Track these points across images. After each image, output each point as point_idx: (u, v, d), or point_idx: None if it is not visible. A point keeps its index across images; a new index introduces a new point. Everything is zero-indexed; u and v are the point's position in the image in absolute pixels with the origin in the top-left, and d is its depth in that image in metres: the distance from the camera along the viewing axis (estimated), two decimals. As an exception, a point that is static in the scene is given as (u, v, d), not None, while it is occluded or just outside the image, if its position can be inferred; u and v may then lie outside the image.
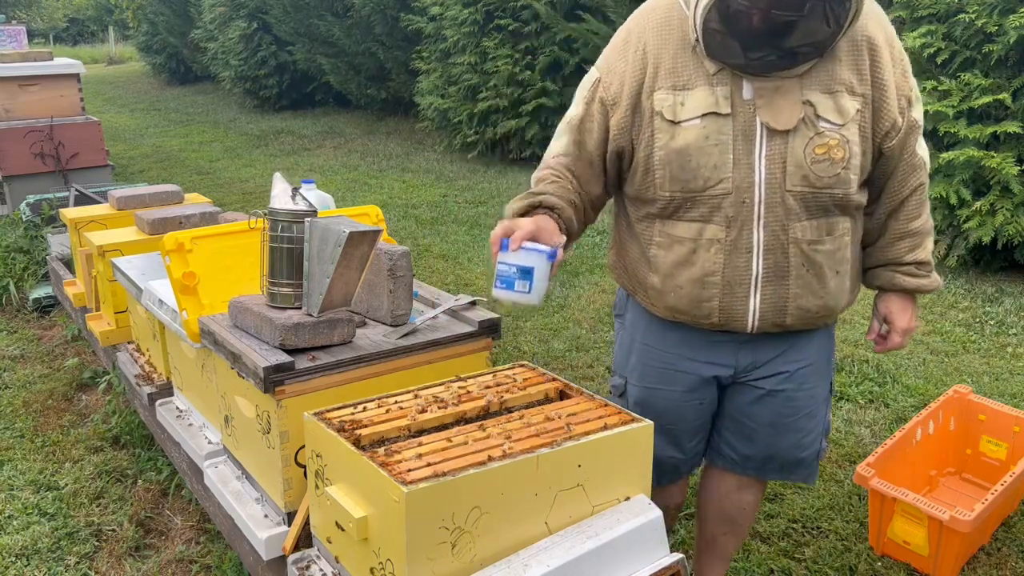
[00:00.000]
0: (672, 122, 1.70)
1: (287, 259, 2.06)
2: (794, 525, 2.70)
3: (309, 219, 2.01)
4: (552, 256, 1.64)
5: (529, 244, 1.63)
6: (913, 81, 1.77)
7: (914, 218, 1.83)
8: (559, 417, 1.71)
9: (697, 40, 1.65)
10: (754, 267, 1.73)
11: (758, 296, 1.75)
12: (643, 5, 1.83)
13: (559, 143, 1.85)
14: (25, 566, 2.60)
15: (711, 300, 1.77)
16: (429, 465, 1.52)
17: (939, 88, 4.76)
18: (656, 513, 1.69)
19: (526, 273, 1.63)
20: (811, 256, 1.72)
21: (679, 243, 1.76)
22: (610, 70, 1.79)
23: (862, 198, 1.79)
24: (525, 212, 1.75)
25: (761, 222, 1.70)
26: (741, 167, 1.68)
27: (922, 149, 1.81)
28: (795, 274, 1.73)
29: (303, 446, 1.90)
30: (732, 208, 1.70)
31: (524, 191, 1.81)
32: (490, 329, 2.22)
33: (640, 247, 1.85)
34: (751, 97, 1.67)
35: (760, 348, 1.85)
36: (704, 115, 1.68)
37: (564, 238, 1.73)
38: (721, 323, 1.79)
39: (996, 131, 4.56)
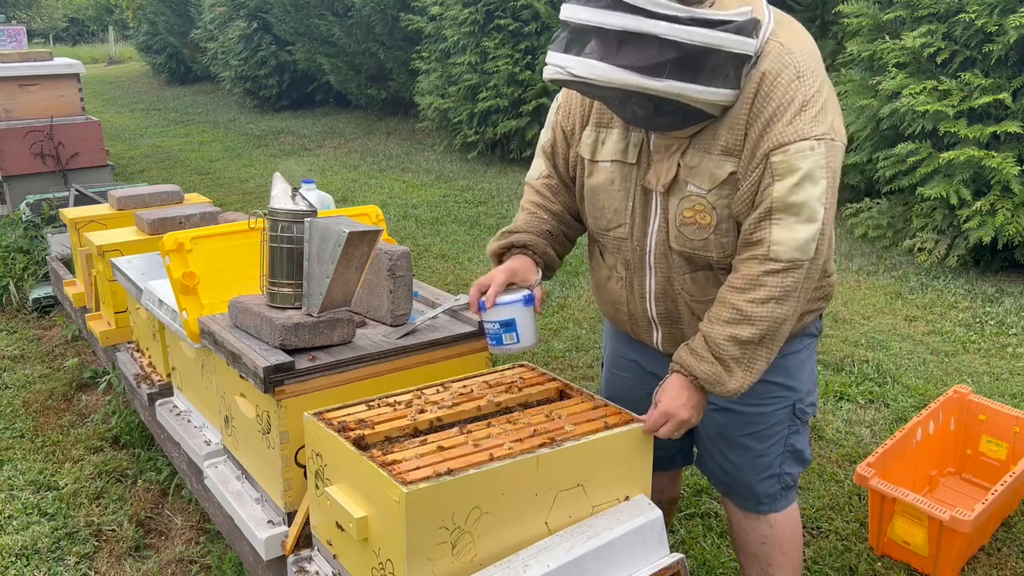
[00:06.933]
0: (591, 160, 1.77)
1: (287, 259, 2.06)
2: (794, 525, 2.69)
3: (309, 219, 2.01)
4: (528, 300, 1.75)
5: (503, 298, 1.74)
6: (807, 129, 1.49)
7: (737, 289, 1.57)
8: (559, 417, 1.71)
9: None
10: (650, 310, 1.79)
11: (659, 332, 1.82)
12: None
13: (537, 165, 1.94)
14: (25, 566, 2.59)
15: (623, 324, 1.89)
16: (429, 465, 1.52)
17: (939, 88, 4.75)
18: (656, 513, 1.69)
19: (508, 326, 1.76)
20: (695, 309, 1.74)
21: (600, 267, 1.87)
22: (568, 100, 1.85)
23: None
24: (502, 252, 1.86)
25: (652, 271, 1.74)
26: (637, 217, 1.72)
27: (782, 244, 1.51)
28: (687, 321, 1.77)
29: (303, 446, 1.90)
30: (630, 253, 1.76)
31: (502, 227, 1.91)
32: (490, 329, 2.22)
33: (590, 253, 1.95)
34: (653, 151, 1.68)
35: None
36: (613, 160, 1.72)
37: (539, 275, 1.82)
38: (637, 340, 1.89)
39: (996, 131, 4.56)
